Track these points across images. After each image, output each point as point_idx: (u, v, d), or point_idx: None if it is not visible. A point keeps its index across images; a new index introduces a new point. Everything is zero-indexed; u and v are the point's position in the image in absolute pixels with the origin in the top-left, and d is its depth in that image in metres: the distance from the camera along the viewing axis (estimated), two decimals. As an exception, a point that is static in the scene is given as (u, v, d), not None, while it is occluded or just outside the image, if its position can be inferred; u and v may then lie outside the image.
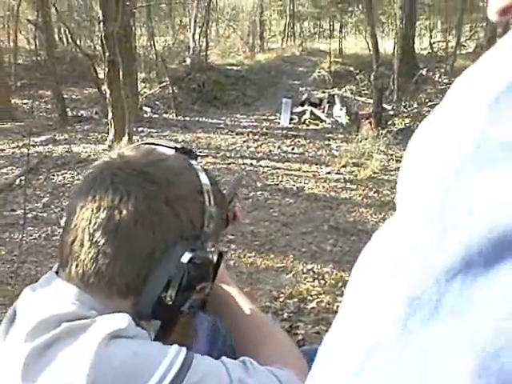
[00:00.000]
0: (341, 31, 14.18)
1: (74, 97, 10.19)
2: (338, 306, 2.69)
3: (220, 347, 0.80)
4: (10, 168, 5.91)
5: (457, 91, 0.27)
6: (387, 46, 12.06)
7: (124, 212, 0.62)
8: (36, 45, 11.82)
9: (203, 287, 0.68)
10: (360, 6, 12.02)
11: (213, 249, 0.70)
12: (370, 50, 8.93)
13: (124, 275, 0.63)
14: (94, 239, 0.63)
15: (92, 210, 0.63)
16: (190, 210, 0.66)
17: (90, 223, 0.63)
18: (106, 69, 6.41)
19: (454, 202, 0.22)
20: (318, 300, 2.90)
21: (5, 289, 2.99)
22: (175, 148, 0.71)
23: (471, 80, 0.27)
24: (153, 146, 0.72)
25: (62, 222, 0.69)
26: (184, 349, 0.61)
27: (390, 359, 0.21)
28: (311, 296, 2.97)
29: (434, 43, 13.77)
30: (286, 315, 2.74)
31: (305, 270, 3.36)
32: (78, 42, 10.31)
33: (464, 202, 0.22)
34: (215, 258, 0.70)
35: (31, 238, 3.94)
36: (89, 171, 0.68)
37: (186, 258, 0.64)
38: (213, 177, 0.72)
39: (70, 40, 11.47)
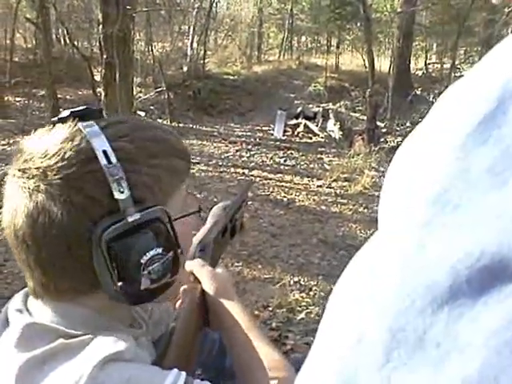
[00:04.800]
0: (338, 47, 14.32)
1: (68, 97, 10.15)
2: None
3: (203, 360, 0.78)
4: (-1, 165, 5.85)
5: (442, 107, 0.26)
6: (383, 64, 12.20)
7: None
8: (33, 43, 11.77)
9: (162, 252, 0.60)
10: (358, 24, 12.16)
11: (139, 215, 0.59)
12: (365, 67, 9.02)
13: (66, 275, 0.60)
14: (23, 253, 0.61)
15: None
16: (88, 186, 0.58)
17: (16, 237, 0.61)
18: (103, 71, 6.40)
19: (441, 225, 0.21)
20: (308, 311, 2.88)
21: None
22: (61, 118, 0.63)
23: (458, 96, 0.25)
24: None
25: None
26: (183, 374, 0.58)
27: None
28: (300, 307, 2.95)
29: (429, 64, 13.95)
30: (274, 325, 2.72)
31: (291, 282, 3.34)
32: (75, 43, 10.27)
33: (451, 228, 0.21)
34: (156, 222, 0.60)
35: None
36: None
37: (109, 234, 0.57)
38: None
39: (67, 40, 11.45)
